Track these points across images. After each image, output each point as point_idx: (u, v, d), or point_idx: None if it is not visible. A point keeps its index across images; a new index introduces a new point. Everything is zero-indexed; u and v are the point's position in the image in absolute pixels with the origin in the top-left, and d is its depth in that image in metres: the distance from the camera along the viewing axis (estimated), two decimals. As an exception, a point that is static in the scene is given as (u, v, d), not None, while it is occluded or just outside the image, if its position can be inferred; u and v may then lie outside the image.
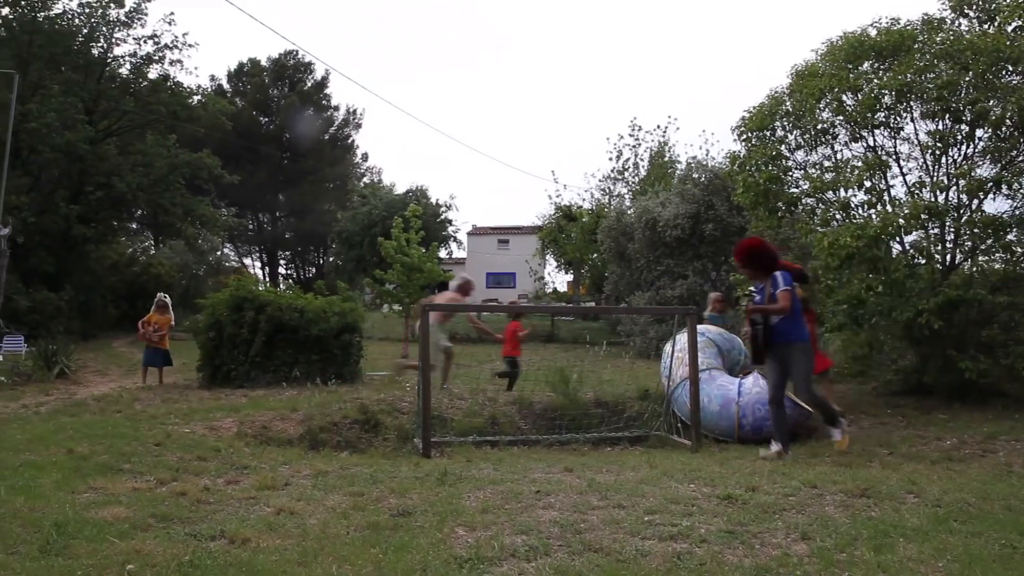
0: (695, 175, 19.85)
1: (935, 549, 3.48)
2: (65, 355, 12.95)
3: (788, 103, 10.30)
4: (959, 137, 9.25)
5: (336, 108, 48.23)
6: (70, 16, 23.77)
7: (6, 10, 23.00)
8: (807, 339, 6.78)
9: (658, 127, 38.88)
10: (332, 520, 3.93)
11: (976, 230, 9.20)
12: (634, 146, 29.09)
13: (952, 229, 9.44)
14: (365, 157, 54.06)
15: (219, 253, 41.33)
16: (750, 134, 10.75)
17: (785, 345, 6.64)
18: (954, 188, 9.20)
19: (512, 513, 4.14)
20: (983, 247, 9.56)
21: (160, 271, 28.60)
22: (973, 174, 8.95)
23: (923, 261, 9.42)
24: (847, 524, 3.92)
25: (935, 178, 9.40)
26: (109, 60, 25.46)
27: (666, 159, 28.33)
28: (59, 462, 5.35)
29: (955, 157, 9.42)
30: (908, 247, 9.59)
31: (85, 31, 24.11)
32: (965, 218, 9.23)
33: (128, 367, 14.81)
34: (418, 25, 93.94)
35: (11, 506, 3.94)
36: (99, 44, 24.85)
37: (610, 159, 30.23)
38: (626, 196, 28.34)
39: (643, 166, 28.99)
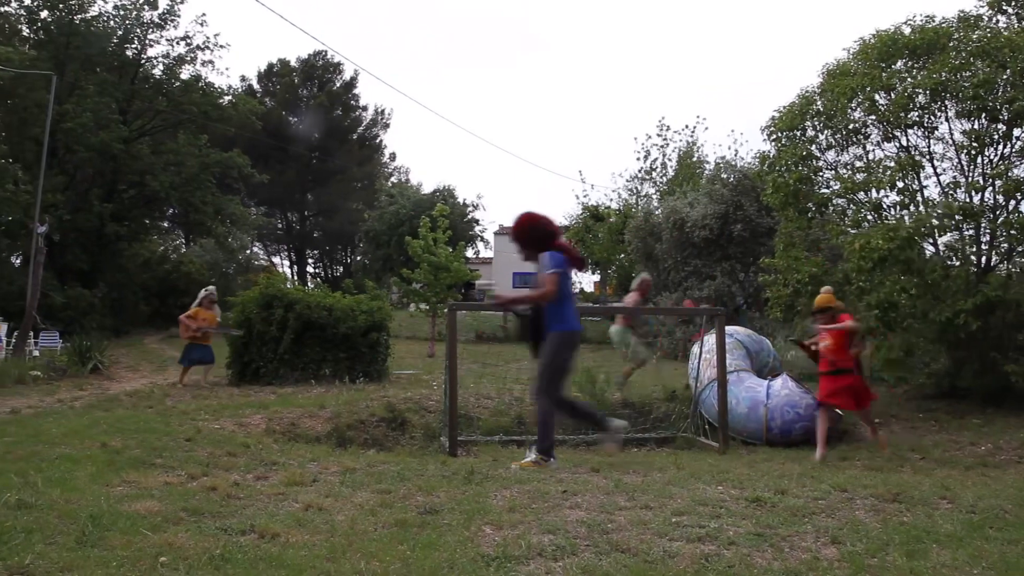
0: (724, 175, 19.70)
1: (970, 556, 3.41)
2: (98, 351, 13.17)
3: (819, 102, 10.19)
4: (996, 136, 9.09)
5: (364, 108, 48.57)
6: (106, 18, 24.28)
7: (45, 13, 23.49)
8: (566, 329, 5.71)
9: (686, 127, 38.64)
10: (360, 517, 3.95)
11: (1013, 231, 9.03)
12: (662, 146, 28.89)
13: (988, 230, 9.27)
14: (393, 157, 54.44)
15: (248, 251, 41.81)
16: (780, 134, 10.66)
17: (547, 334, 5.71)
18: (990, 188, 9.04)
19: (539, 512, 4.14)
20: (1020, 248, 9.38)
21: (190, 269, 28.96)
22: (1010, 174, 8.78)
23: (957, 263, 9.26)
24: (878, 529, 3.86)
25: (970, 178, 9.24)
26: (143, 61, 25.90)
27: (694, 159, 28.10)
28: (93, 456, 5.44)
29: (991, 157, 9.25)
30: (942, 248, 9.44)
31: (120, 33, 24.55)
32: (1002, 219, 9.06)
33: (159, 363, 15.02)
34: (446, 25, 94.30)
35: (48, 498, 4.01)
36: (133, 45, 25.32)
37: (638, 159, 30.10)
38: (654, 196, 28.18)
39: (671, 166, 28.78)
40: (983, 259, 9.44)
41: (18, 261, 23.52)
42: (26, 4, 23.17)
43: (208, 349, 11.40)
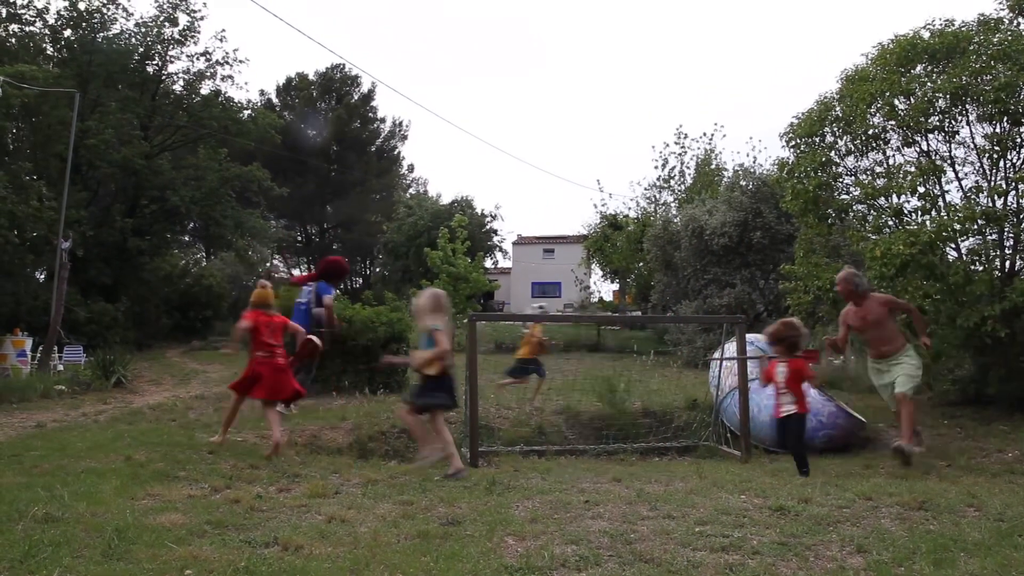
0: (742, 182, 19.62)
1: (998, 565, 3.37)
2: (122, 365, 13.30)
3: (838, 108, 10.13)
4: (1018, 140, 8.98)
5: (383, 120, 48.83)
6: (127, 36, 24.60)
7: (68, 32, 23.90)
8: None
9: (704, 134, 38.41)
10: (382, 528, 3.96)
11: (1037, 235, 8.93)
12: (680, 154, 28.85)
13: (1011, 234, 9.17)
14: (411, 168, 54.63)
15: (268, 264, 42.12)
16: (799, 140, 10.60)
17: None
18: (1013, 192, 8.94)
19: (561, 523, 4.13)
20: (1045, 253, 9.26)
21: (211, 282, 29.21)
22: (1034, 178, 8.68)
23: (980, 268, 9.15)
24: (904, 537, 3.82)
25: (993, 182, 9.14)
26: (163, 77, 26.24)
27: (712, 167, 28.03)
28: (118, 469, 5.50)
29: (1014, 160, 9.15)
30: (965, 252, 9.34)
31: (141, 50, 24.88)
32: (1026, 223, 8.96)
33: (181, 376, 15.14)
34: (463, 36, 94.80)
35: (74, 511, 4.06)
36: (154, 62, 25.64)
37: (656, 167, 29.99)
38: (672, 204, 28.14)
39: (689, 174, 28.73)
40: (1007, 263, 9.33)
41: (42, 276, 23.82)
42: (50, 23, 23.58)
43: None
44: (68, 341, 17.09)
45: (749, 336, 8.82)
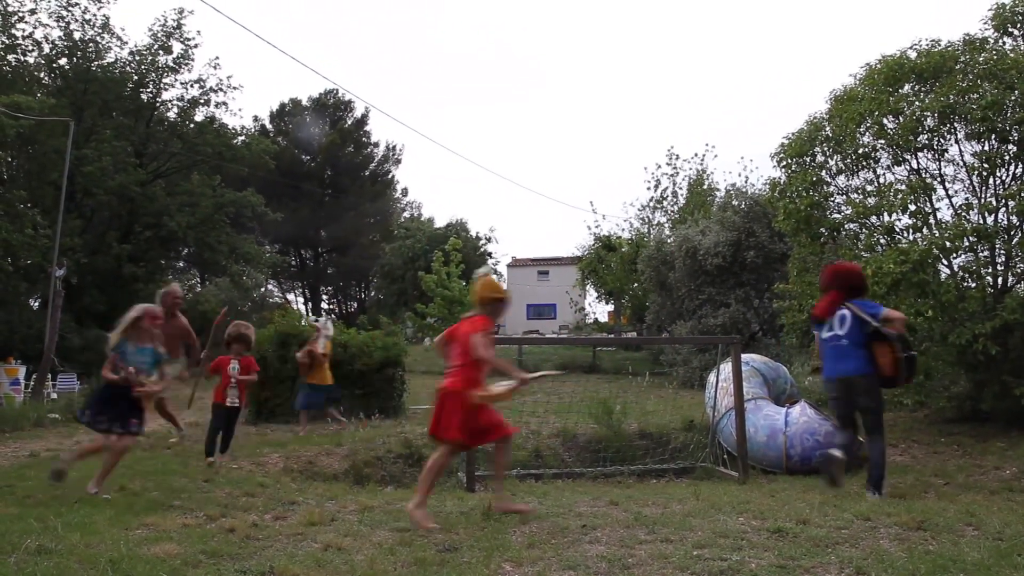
0: (735, 202, 19.70)
1: (997, 584, 3.36)
2: (116, 392, 13.21)
3: (827, 128, 10.23)
4: (1007, 157, 9.07)
5: (376, 144, 49.04)
6: (122, 64, 24.76)
7: (63, 60, 24.03)
8: None
9: (696, 155, 38.59)
10: (379, 556, 3.93)
11: (1028, 252, 8.99)
12: (672, 175, 28.97)
13: (1003, 251, 9.23)
14: (405, 192, 54.85)
15: (263, 289, 42.03)
16: (790, 160, 10.68)
17: None
18: (1003, 209, 9.00)
19: (559, 548, 4.11)
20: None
21: (206, 308, 29.10)
22: (1023, 195, 8.76)
23: (972, 285, 9.20)
24: (903, 558, 3.81)
25: (983, 200, 9.22)
26: (158, 104, 26.35)
27: (705, 187, 28.15)
28: (112, 499, 5.46)
29: (1003, 178, 9.24)
30: (957, 269, 9.39)
31: (135, 78, 25.01)
32: (1016, 239, 9.01)
33: (175, 403, 15.02)
34: (454, 60, 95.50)
35: (68, 542, 4.02)
36: (148, 90, 25.74)
37: (648, 188, 29.88)
38: (665, 225, 28.19)
39: (682, 194, 28.84)
40: (999, 280, 9.38)
41: (36, 304, 23.76)
42: (45, 52, 23.72)
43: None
44: (62, 369, 17.01)
45: (744, 356, 8.83)
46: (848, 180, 10.41)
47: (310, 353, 10.01)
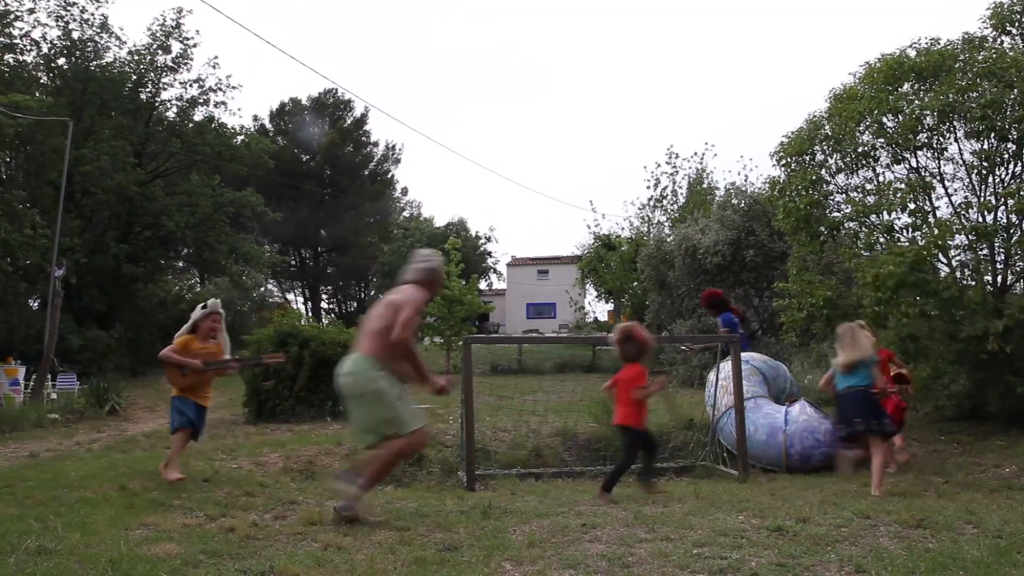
0: (734, 201, 19.68)
1: (997, 582, 3.36)
2: (116, 392, 13.23)
3: (827, 127, 10.22)
4: (1006, 156, 9.08)
5: (375, 144, 48.97)
6: (120, 64, 24.71)
7: (62, 60, 24.02)
8: None
9: (695, 154, 38.60)
10: (379, 555, 3.93)
11: (1028, 250, 8.98)
12: (671, 174, 28.95)
13: (1002, 250, 9.23)
14: (405, 191, 54.74)
15: (263, 289, 42.03)
16: (789, 159, 10.68)
17: None
18: (1003, 208, 9.00)
19: (559, 547, 4.11)
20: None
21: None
22: (1022, 193, 8.76)
23: (972, 283, 9.20)
24: (903, 556, 3.81)
25: (982, 198, 9.22)
26: (157, 104, 26.31)
27: (704, 186, 28.13)
28: (112, 499, 5.46)
29: (1002, 176, 9.24)
30: (956, 266, 9.39)
31: (134, 77, 24.98)
32: (1016, 238, 9.01)
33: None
34: (454, 60, 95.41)
35: (68, 542, 4.02)
36: (147, 89, 25.70)
37: (648, 187, 29.81)
38: (665, 224, 28.19)
39: (681, 193, 28.82)
40: (999, 278, 9.38)
41: (36, 304, 23.74)
42: (44, 52, 23.71)
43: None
44: (62, 369, 17.00)
45: (744, 355, 8.82)
46: (848, 179, 10.41)
47: None
